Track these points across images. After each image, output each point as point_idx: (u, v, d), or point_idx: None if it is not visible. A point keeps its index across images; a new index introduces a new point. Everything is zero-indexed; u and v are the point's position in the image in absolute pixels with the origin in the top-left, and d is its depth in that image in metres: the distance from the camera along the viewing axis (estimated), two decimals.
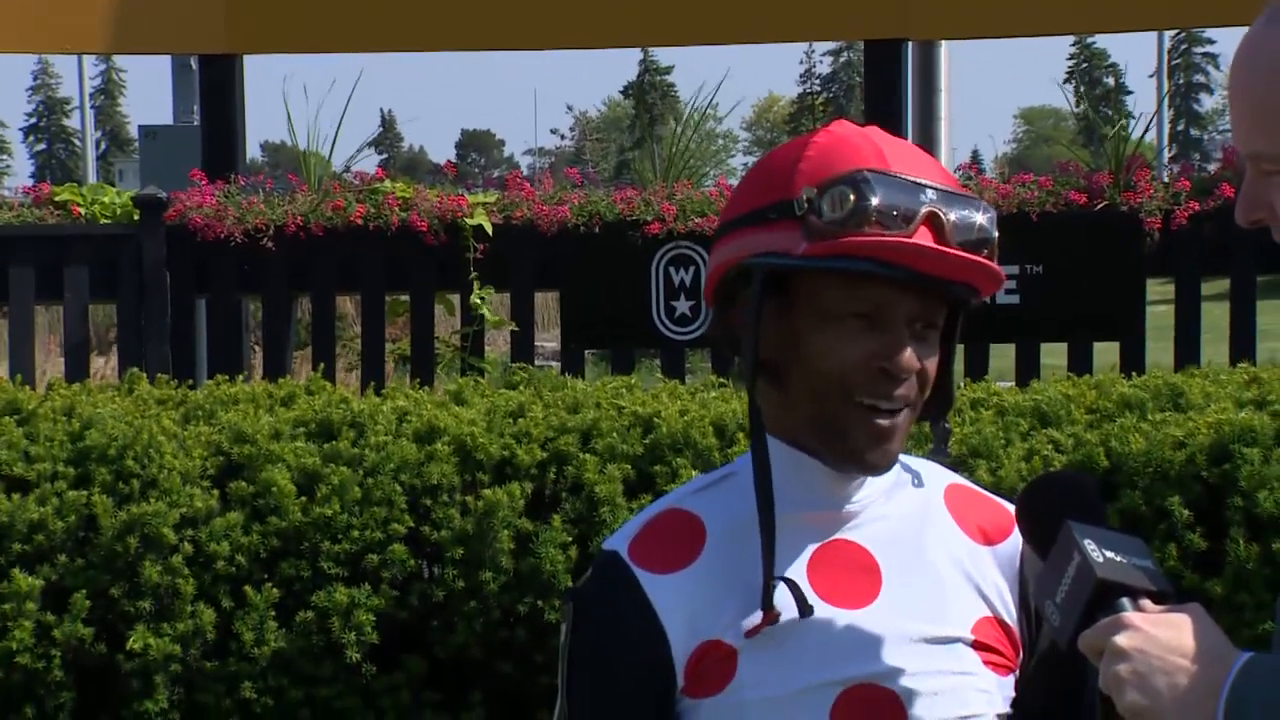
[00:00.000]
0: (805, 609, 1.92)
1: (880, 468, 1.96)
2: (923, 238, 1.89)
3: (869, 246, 1.88)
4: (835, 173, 1.91)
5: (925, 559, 2.01)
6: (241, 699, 5.04)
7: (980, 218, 1.93)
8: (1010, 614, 2.03)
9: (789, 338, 1.95)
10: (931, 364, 1.96)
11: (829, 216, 1.89)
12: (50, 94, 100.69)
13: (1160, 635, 1.67)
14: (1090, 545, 1.74)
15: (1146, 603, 1.72)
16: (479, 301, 8.11)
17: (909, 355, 1.92)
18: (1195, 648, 1.67)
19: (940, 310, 1.96)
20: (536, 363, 8.30)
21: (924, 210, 1.89)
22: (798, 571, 1.96)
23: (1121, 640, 1.67)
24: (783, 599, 1.93)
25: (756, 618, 1.93)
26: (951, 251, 1.89)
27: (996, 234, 1.94)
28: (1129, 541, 1.79)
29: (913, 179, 1.92)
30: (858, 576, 1.98)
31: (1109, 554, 1.74)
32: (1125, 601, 1.71)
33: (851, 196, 1.88)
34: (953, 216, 1.91)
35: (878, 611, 1.96)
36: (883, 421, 1.93)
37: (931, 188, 1.92)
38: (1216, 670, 1.65)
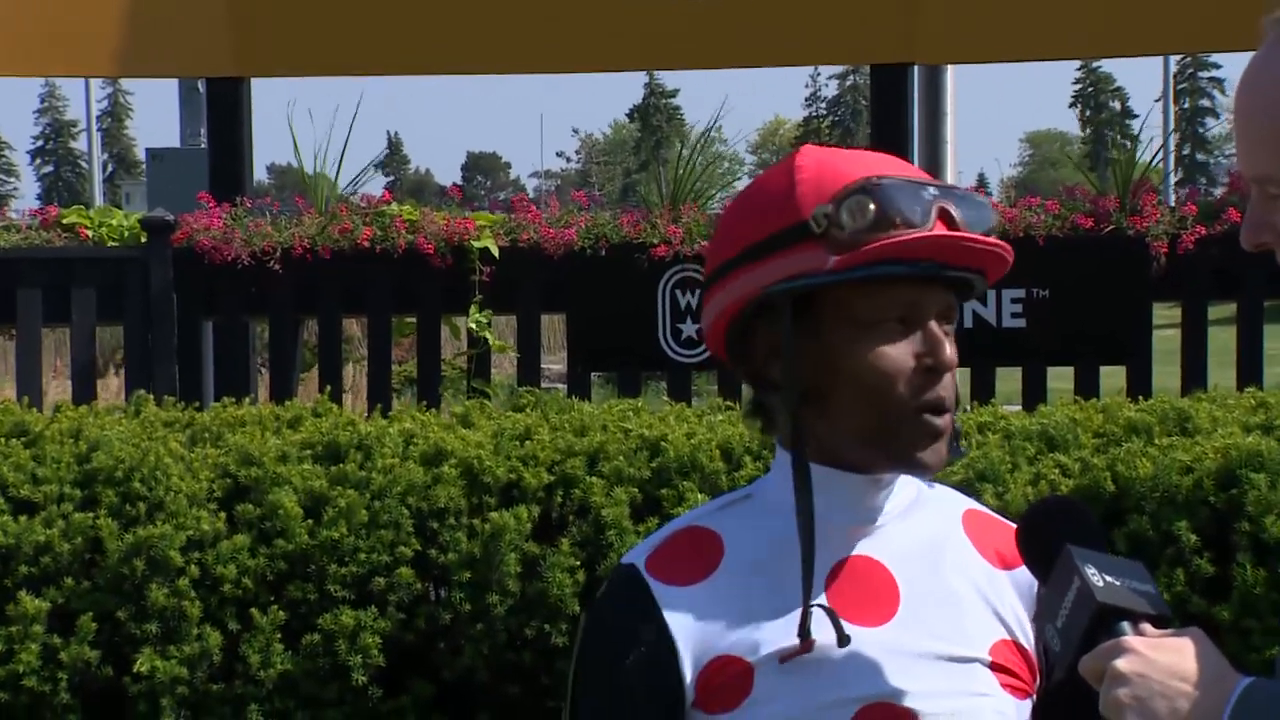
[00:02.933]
0: (843, 639, 1.93)
1: (933, 468, 1.98)
2: (940, 231, 1.94)
3: (899, 247, 1.92)
4: (839, 188, 1.93)
5: (943, 579, 2.02)
6: None
7: (980, 203, 1.98)
8: (1027, 638, 2.03)
9: (825, 358, 1.96)
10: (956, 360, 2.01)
11: (852, 226, 1.92)
12: (57, 116, 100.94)
13: (1160, 659, 1.67)
14: (1090, 570, 1.75)
15: (1147, 627, 1.72)
16: (477, 324, 8.11)
17: (949, 348, 1.97)
18: (1196, 672, 1.67)
19: (954, 305, 2.00)
20: (543, 385, 8.30)
21: (935, 205, 1.94)
22: (818, 587, 1.96)
23: (1121, 664, 1.68)
24: (817, 623, 1.94)
25: (786, 641, 1.93)
26: (976, 238, 1.95)
27: (996, 218, 2.00)
28: (1129, 566, 1.79)
29: (913, 180, 1.96)
30: (876, 594, 1.98)
31: (1109, 579, 1.75)
32: (1125, 626, 1.72)
33: (871, 204, 1.92)
34: (959, 207, 1.95)
35: (895, 630, 1.97)
36: (935, 420, 1.96)
37: (930, 185, 1.96)
38: (1217, 695, 1.65)
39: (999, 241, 1.98)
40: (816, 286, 1.94)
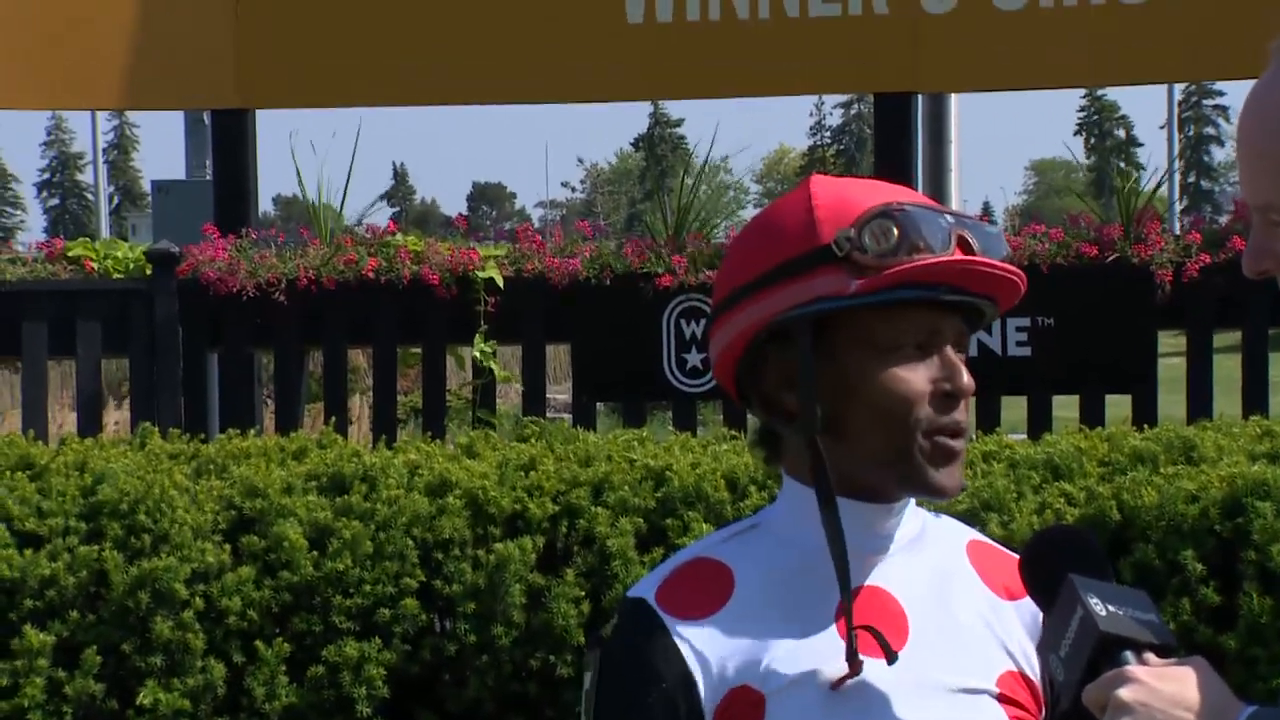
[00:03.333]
0: (891, 657, 1.93)
1: (949, 491, 1.98)
2: (961, 256, 1.96)
3: (922, 271, 1.93)
4: (860, 213, 1.95)
5: (950, 611, 2.01)
6: None
7: (994, 232, 2.00)
8: (1033, 669, 2.02)
9: (842, 383, 1.97)
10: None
11: (875, 250, 1.93)
12: (63, 149, 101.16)
13: (1164, 688, 1.67)
14: (1093, 599, 1.75)
15: (1150, 656, 1.72)
16: (481, 354, 8.11)
17: (967, 375, 1.98)
18: (1199, 701, 1.66)
19: (966, 333, 2.01)
20: (548, 415, 8.29)
21: (953, 232, 1.95)
22: (831, 617, 1.96)
23: (1125, 693, 1.67)
24: (831, 648, 1.94)
25: (801, 670, 1.93)
26: (999, 265, 1.97)
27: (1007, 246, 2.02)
28: (1133, 595, 1.79)
29: (930, 207, 1.98)
30: (887, 625, 1.97)
31: (1112, 608, 1.74)
32: (1129, 655, 1.71)
33: (894, 228, 1.93)
34: (975, 235, 1.97)
35: (904, 661, 1.96)
36: (951, 443, 1.96)
37: (947, 212, 1.99)
38: None
39: (1014, 269, 1.99)
40: (836, 311, 1.95)
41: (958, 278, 1.95)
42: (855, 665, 1.92)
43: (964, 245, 1.95)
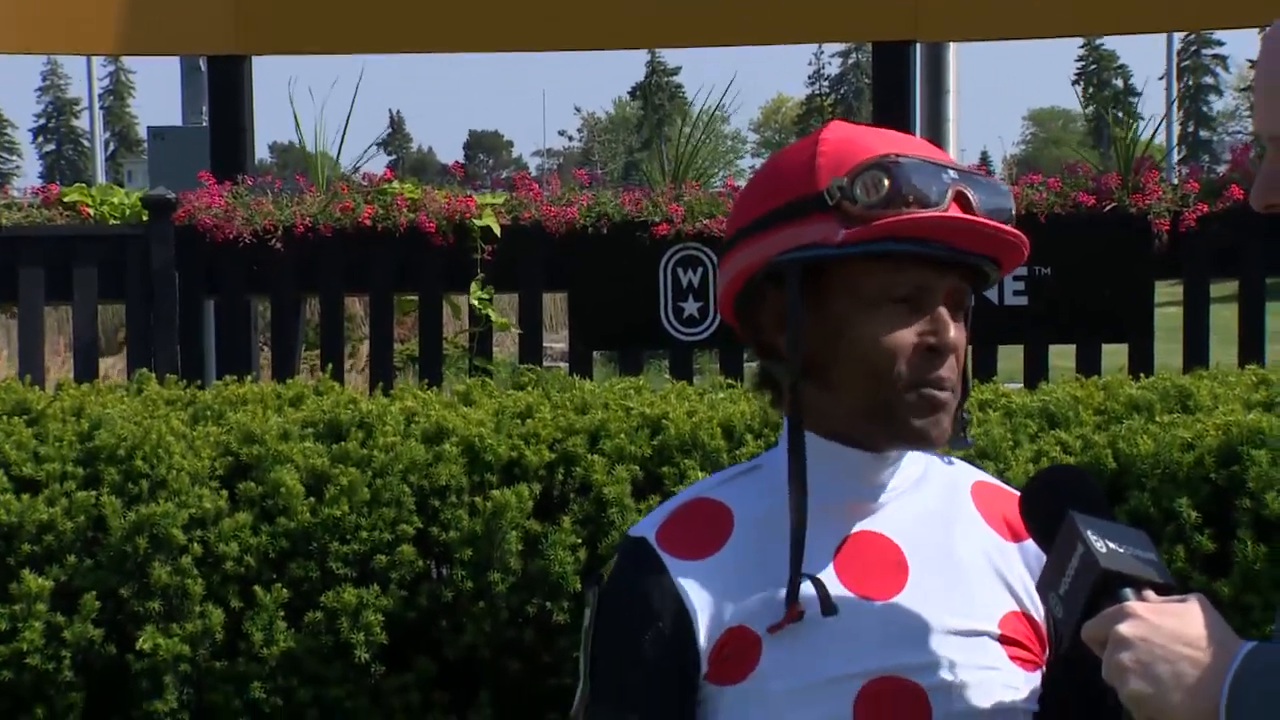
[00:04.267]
0: (828, 607, 1.92)
1: (932, 441, 1.96)
2: (952, 213, 1.93)
3: (910, 225, 1.91)
4: (859, 162, 1.93)
5: (952, 552, 2.01)
6: (251, 699, 5.04)
7: (1000, 191, 1.97)
8: (1037, 609, 2.02)
9: (829, 331, 1.96)
10: (964, 345, 2.00)
11: (865, 201, 1.92)
12: (59, 95, 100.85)
13: (1164, 624, 1.67)
14: (1094, 536, 1.75)
15: (1150, 594, 1.72)
16: (480, 301, 8.11)
17: (955, 332, 1.96)
18: (1199, 637, 1.67)
19: (966, 292, 1.99)
20: (544, 363, 8.30)
21: (952, 189, 1.93)
22: (824, 562, 1.96)
23: (1124, 629, 1.67)
24: (808, 595, 1.93)
25: (780, 612, 1.93)
26: (989, 223, 1.94)
27: (1013, 207, 1.99)
28: (1132, 534, 1.79)
29: (934, 161, 1.96)
30: (884, 568, 1.98)
31: (1112, 545, 1.75)
32: (1129, 592, 1.72)
33: (885, 180, 1.92)
34: (977, 192, 1.95)
35: (904, 603, 1.96)
36: (936, 394, 1.95)
37: (952, 168, 1.96)
38: (1220, 658, 1.65)
39: (1012, 229, 1.96)
40: (825, 259, 1.94)
41: (948, 234, 1.93)
42: (793, 611, 1.92)
43: (962, 202, 1.93)
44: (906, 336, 1.94)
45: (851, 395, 1.96)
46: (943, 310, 1.96)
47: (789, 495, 1.95)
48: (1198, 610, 1.69)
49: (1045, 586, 1.80)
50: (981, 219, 1.93)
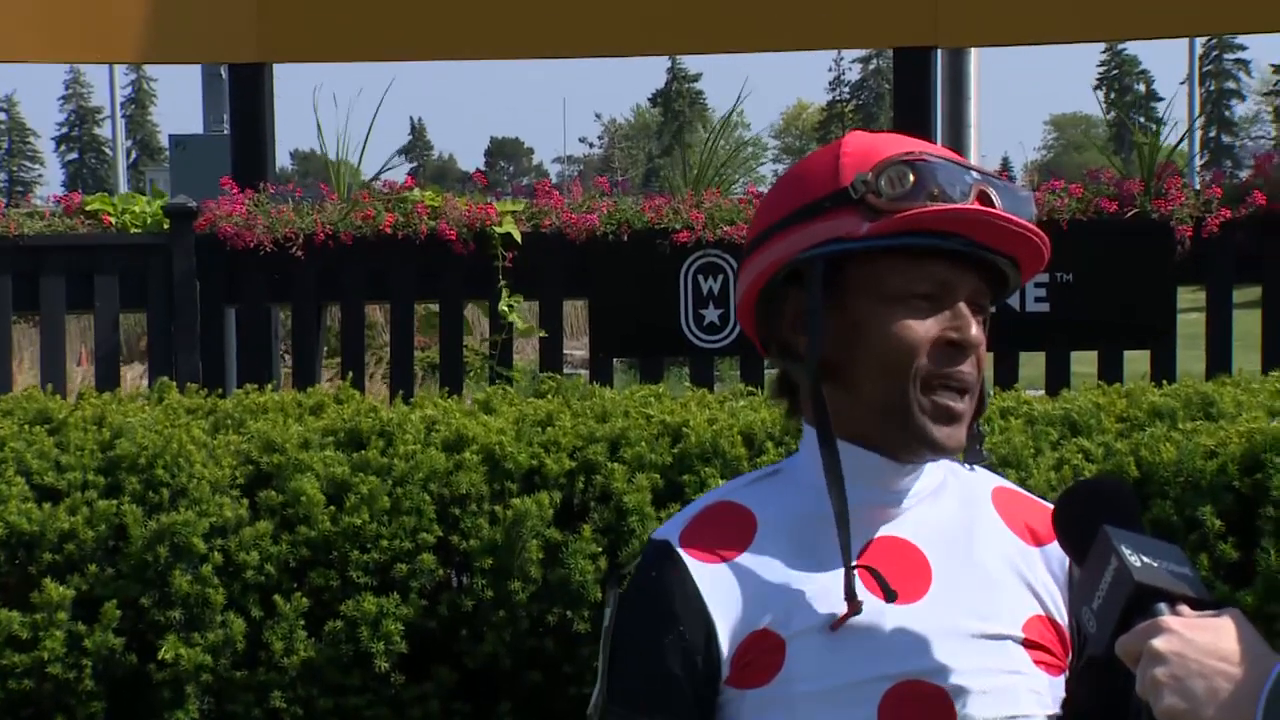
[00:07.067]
0: (890, 594, 1.93)
1: (947, 449, 1.97)
2: (973, 205, 1.94)
3: (933, 218, 1.93)
4: (884, 157, 1.96)
5: (975, 557, 2.02)
6: (271, 708, 5.04)
7: (1022, 195, 1.99)
8: (1061, 614, 2.02)
9: (849, 329, 1.97)
10: (984, 349, 2.00)
11: (889, 194, 1.94)
12: (82, 104, 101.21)
13: (1198, 639, 1.66)
14: (1128, 551, 1.73)
15: (1184, 608, 1.71)
16: (508, 309, 8.10)
17: (976, 328, 1.97)
18: (1234, 652, 1.65)
19: (988, 294, 2.00)
20: (565, 371, 8.29)
21: (975, 187, 1.95)
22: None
23: (1159, 644, 1.66)
24: (835, 593, 1.94)
25: (822, 615, 1.93)
26: (1012, 218, 1.95)
27: (1035, 212, 2.00)
28: (1166, 548, 1.78)
29: (958, 162, 1.98)
30: (907, 572, 1.98)
31: (1146, 559, 1.73)
32: (1163, 606, 1.70)
33: (910, 174, 1.94)
34: (999, 194, 1.96)
35: (927, 607, 1.96)
36: (951, 402, 1.95)
37: (975, 169, 1.98)
38: (1255, 674, 1.64)
39: (1033, 226, 1.97)
40: (849, 253, 1.95)
41: (972, 229, 1.94)
42: (854, 605, 1.92)
43: (985, 201, 1.95)
44: (928, 330, 1.95)
45: (870, 393, 1.97)
46: (964, 307, 1.97)
47: (828, 488, 1.96)
48: (1233, 625, 1.68)
49: (1078, 601, 1.78)
50: (1003, 213, 1.94)
